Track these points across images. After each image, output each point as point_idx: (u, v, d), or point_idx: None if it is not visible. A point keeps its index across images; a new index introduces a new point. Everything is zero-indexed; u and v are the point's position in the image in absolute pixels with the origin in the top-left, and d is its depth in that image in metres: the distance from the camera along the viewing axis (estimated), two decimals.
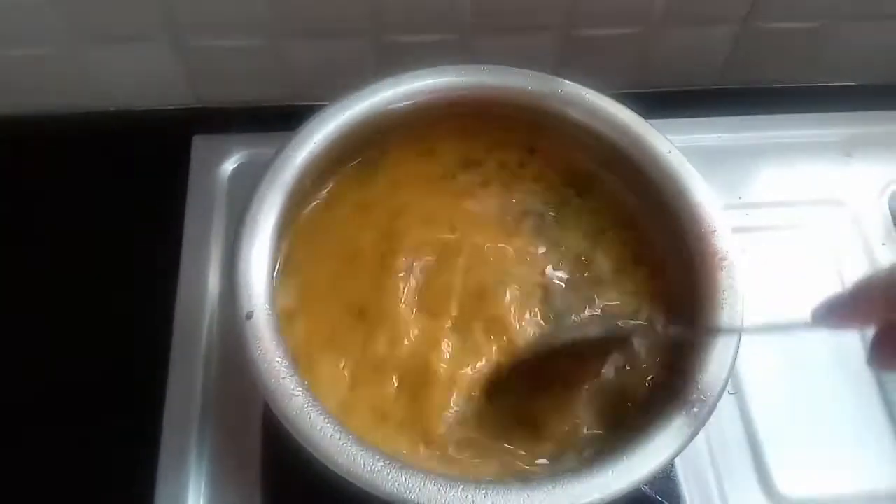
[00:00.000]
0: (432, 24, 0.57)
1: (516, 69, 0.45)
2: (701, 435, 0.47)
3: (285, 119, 0.45)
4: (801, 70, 0.64)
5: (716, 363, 0.39)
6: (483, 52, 0.59)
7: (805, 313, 0.33)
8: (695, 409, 0.38)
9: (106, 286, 0.51)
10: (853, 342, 0.51)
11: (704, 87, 0.65)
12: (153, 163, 0.56)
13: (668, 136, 0.44)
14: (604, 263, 0.45)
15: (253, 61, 0.58)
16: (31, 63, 0.56)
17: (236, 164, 0.56)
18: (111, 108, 0.60)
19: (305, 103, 0.43)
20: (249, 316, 0.37)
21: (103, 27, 0.55)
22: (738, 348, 0.39)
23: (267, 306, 0.37)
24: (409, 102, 0.44)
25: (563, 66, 0.60)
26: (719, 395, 0.38)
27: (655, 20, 0.58)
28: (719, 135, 0.60)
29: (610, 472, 0.36)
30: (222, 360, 0.48)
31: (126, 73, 0.58)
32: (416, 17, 0.56)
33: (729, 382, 0.49)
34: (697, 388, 0.38)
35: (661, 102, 0.58)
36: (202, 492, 0.45)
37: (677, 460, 0.47)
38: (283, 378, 0.36)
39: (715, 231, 0.41)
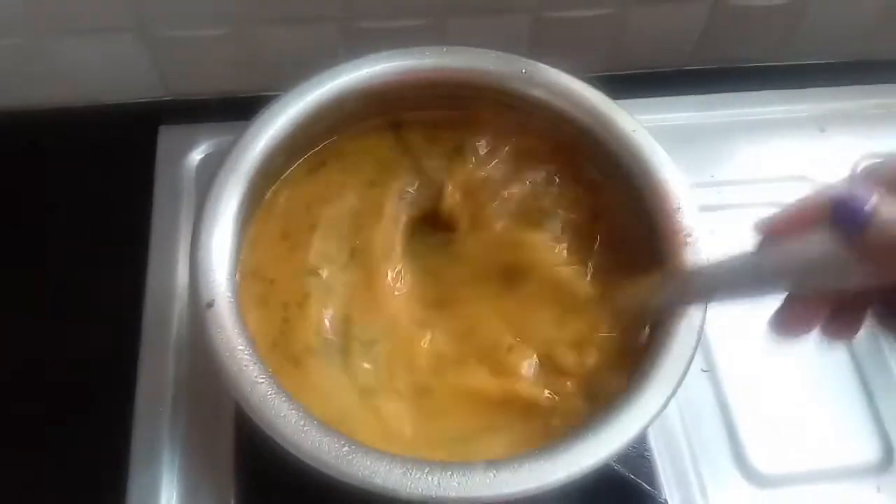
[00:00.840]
0: (404, 9, 0.57)
1: (479, 49, 0.44)
2: (675, 413, 0.48)
3: (255, 108, 0.44)
4: (773, 49, 0.64)
5: (682, 334, 0.38)
6: (456, 36, 0.59)
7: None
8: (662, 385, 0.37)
9: (73, 278, 0.51)
10: None
11: (677, 68, 0.65)
12: (121, 155, 0.55)
13: (639, 117, 0.44)
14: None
15: (222, 51, 0.58)
16: None
17: (203, 155, 0.56)
18: (79, 103, 0.60)
19: (275, 93, 0.43)
20: (210, 304, 0.36)
21: (70, 18, 0.54)
22: (704, 318, 0.38)
23: (228, 294, 0.37)
24: (370, 85, 0.43)
25: (535, 48, 0.60)
26: (686, 367, 0.38)
27: (627, 0, 0.58)
28: (690, 113, 0.60)
29: (577, 449, 0.36)
30: (193, 352, 0.48)
31: (94, 65, 0.58)
32: (388, 2, 0.56)
33: (703, 360, 0.50)
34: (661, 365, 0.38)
35: (633, 83, 0.58)
36: (175, 484, 0.45)
37: (651, 440, 0.48)
38: (246, 365, 0.36)
39: (680, 209, 0.41)
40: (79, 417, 0.46)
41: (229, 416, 0.46)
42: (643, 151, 0.42)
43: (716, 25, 0.61)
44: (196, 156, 0.55)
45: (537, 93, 0.44)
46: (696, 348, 0.38)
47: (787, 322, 0.33)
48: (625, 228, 0.43)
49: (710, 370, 0.50)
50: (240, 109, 0.57)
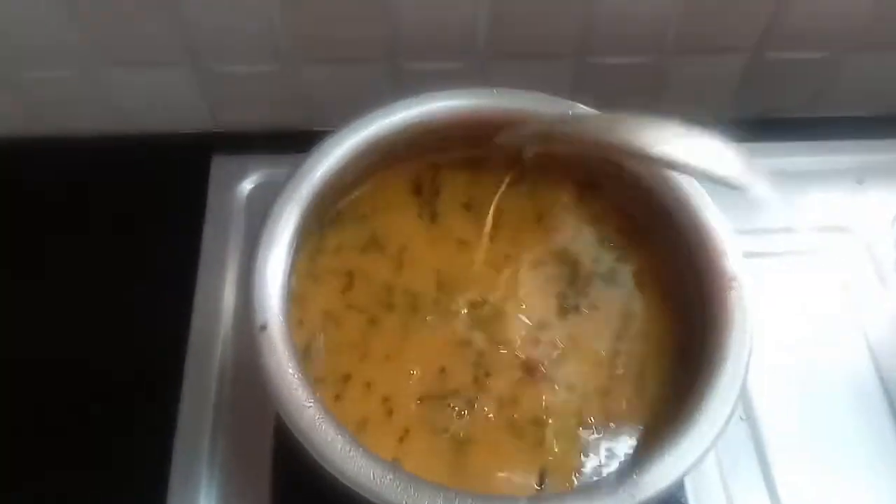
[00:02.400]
0: (448, 52, 0.58)
1: (527, 92, 0.46)
2: (712, 460, 0.48)
3: (302, 143, 0.46)
4: (809, 101, 0.65)
5: (725, 382, 0.38)
6: (498, 79, 0.60)
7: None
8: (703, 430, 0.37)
9: (124, 301, 0.52)
10: (866, 367, 0.50)
11: (714, 118, 0.65)
12: (172, 184, 0.57)
13: None
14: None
15: (270, 86, 0.59)
16: (53, 85, 0.58)
17: (254, 185, 0.57)
18: (130, 132, 0.61)
19: (322, 129, 0.44)
20: (264, 327, 0.37)
21: (123, 50, 0.56)
22: (748, 366, 0.39)
23: (281, 318, 0.38)
24: (421, 124, 0.44)
25: (577, 94, 0.61)
26: (729, 418, 0.38)
27: (667, 50, 0.59)
28: None
29: (617, 492, 0.36)
30: (236, 376, 0.49)
31: (145, 96, 0.60)
32: (433, 45, 0.57)
33: (741, 408, 0.50)
34: (705, 409, 0.38)
35: None
36: (214, 501, 0.45)
37: (688, 487, 0.47)
38: (296, 389, 0.36)
39: (725, 253, 0.41)
40: (122, 433, 0.47)
41: (268, 438, 0.47)
42: (688, 194, 0.43)
43: (753, 77, 0.62)
44: (247, 185, 0.57)
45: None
46: (737, 400, 0.38)
47: None
48: (667, 272, 0.44)
49: (749, 418, 0.50)
50: (284, 144, 0.59)
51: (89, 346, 0.51)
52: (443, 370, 0.42)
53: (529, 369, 0.42)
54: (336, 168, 0.42)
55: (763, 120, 0.65)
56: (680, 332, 0.43)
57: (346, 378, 0.41)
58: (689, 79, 0.62)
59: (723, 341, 0.39)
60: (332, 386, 0.41)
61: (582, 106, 0.46)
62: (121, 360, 0.50)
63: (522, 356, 0.42)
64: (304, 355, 0.40)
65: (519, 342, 0.43)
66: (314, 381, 0.39)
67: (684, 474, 0.37)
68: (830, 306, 0.54)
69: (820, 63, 0.61)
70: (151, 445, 0.46)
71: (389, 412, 0.40)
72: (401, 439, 0.40)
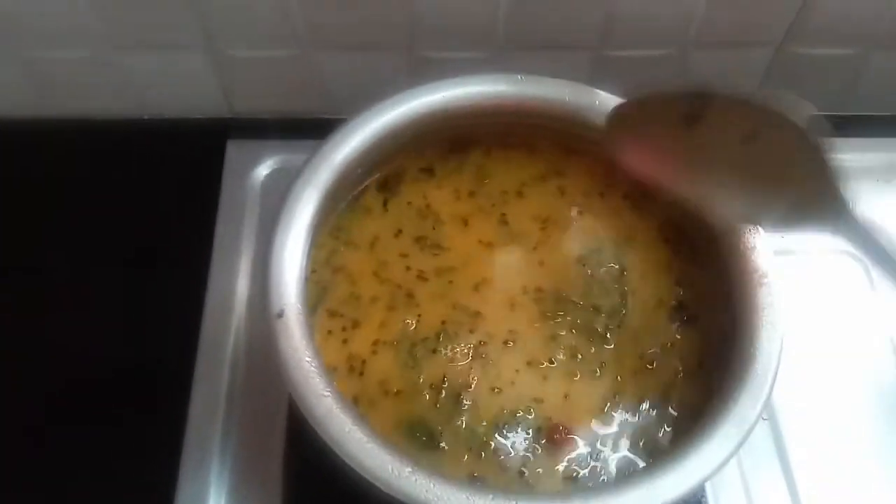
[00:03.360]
0: (465, 41, 0.57)
1: (554, 79, 0.45)
2: (733, 461, 0.47)
3: (316, 131, 0.45)
4: (835, 99, 0.64)
5: (753, 385, 0.37)
6: (516, 69, 0.59)
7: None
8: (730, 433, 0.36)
9: (136, 287, 0.51)
10: (891, 368, 0.49)
11: None
12: (186, 169, 0.56)
13: None
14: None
15: (286, 72, 0.59)
16: (69, 66, 0.57)
17: (269, 171, 0.56)
18: (144, 116, 0.61)
19: (337, 116, 0.43)
20: (280, 314, 0.36)
21: (140, 32, 0.55)
22: (778, 366, 0.38)
23: (298, 305, 0.37)
24: (444, 109, 0.43)
25: (595, 85, 0.60)
26: (755, 422, 0.37)
27: (690, 42, 0.58)
28: None
29: (640, 491, 0.35)
30: (248, 363, 0.48)
31: (160, 79, 0.59)
32: (450, 33, 0.56)
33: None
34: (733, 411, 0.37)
35: None
36: (224, 491, 0.45)
37: (707, 486, 0.46)
38: (313, 378, 0.35)
39: (755, 248, 0.40)
40: (133, 422, 0.47)
41: (280, 425, 0.46)
42: None
43: (777, 72, 0.61)
44: (262, 171, 0.56)
45: None
46: (767, 401, 0.37)
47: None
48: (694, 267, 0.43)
49: (770, 419, 0.49)
50: (299, 130, 0.58)
51: (101, 333, 0.50)
52: None
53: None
54: (357, 152, 0.41)
55: None
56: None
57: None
58: (710, 74, 0.61)
59: (752, 340, 0.38)
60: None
61: (605, 93, 0.45)
62: (134, 346, 0.49)
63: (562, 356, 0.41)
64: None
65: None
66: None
67: (708, 477, 0.36)
68: (856, 306, 0.53)
69: (847, 59, 0.60)
70: (163, 433, 0.46)
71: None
72: None
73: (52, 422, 0.48)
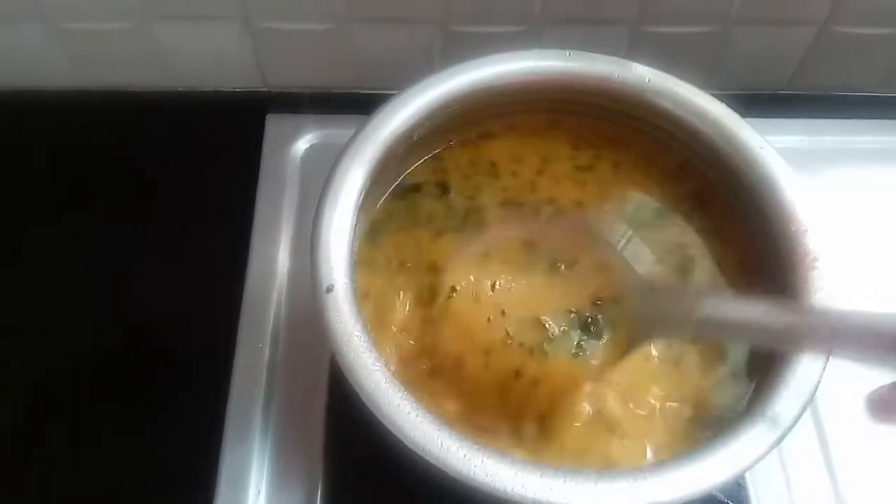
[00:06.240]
0: (501, 15, 0.57)
1: (603, 56, 0.44)
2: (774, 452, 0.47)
3: (351, 105, 0.45)
4: (877, 79, 0.63)
5: (799, 379, 0.37)
6: (551, 44, 0.59)
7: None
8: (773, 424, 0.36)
9: (176, 262, 0.51)
10: None
11: (774, 92, 0.64)
12: (222, 142, 0.56)
13: None
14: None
15: (321, 46, 0.58)
16: (104, 37, 0.57)
17: (309, 145, 0.56)
18: (179, 88, 0.61)
19: (371, 91, 0.43)
20: (330, 289, 0.36)
21: (175, 5, 0.55)
22: (826, 364, 0.37)
23: (346, 280, 0.37)
24: (496, 85, 0.43)
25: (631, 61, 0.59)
26: (800, 414, 0.37)
27: (731, 19, 0.57)
28: (790, 137, 0.58)
29: (683, 473, 0.35)
30: (289, 336, 0.48)
31: (196, 52, 0.59)
32: (486, 8, 0.56)
33: None
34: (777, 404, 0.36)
35: (731, 104, 0.57)
36: (266, 465, 0.45)
37: (748, 477, 0.46)
38: (363, 353, 0.35)
39: (807, 231, 0.40)
40: (175, 399, 0.47)
41: (322, 399, 0.47)
42: (770, 169, 0.41)
43: (820, 51, 0.60)
44: (301, 145, 0.56)
45: (663, 103, 0.43)
46: (815, 390, 0.37)
47: (885, 403, 0.32)
48: (747, 250, 0.43)
49: (812, 413, 0.48)
50: (335, 105, 0.58)
51: (144, 307, 0.51)
52: None
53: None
54: (404, 129, 0.41)
55: (823, 96, 0.64)
56: None
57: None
58: (750, 51, 0.60)
59: None
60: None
61: (648, 68, 0.44)
62: (176, 319, 0.50)
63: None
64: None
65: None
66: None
67: (749, 467, 0.36)
68: (891, 287, 0.53)
69: (889, 39, 0.59)
70: (206, 406, 0.46)
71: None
72: None
73: (95, 393, 0.48)
